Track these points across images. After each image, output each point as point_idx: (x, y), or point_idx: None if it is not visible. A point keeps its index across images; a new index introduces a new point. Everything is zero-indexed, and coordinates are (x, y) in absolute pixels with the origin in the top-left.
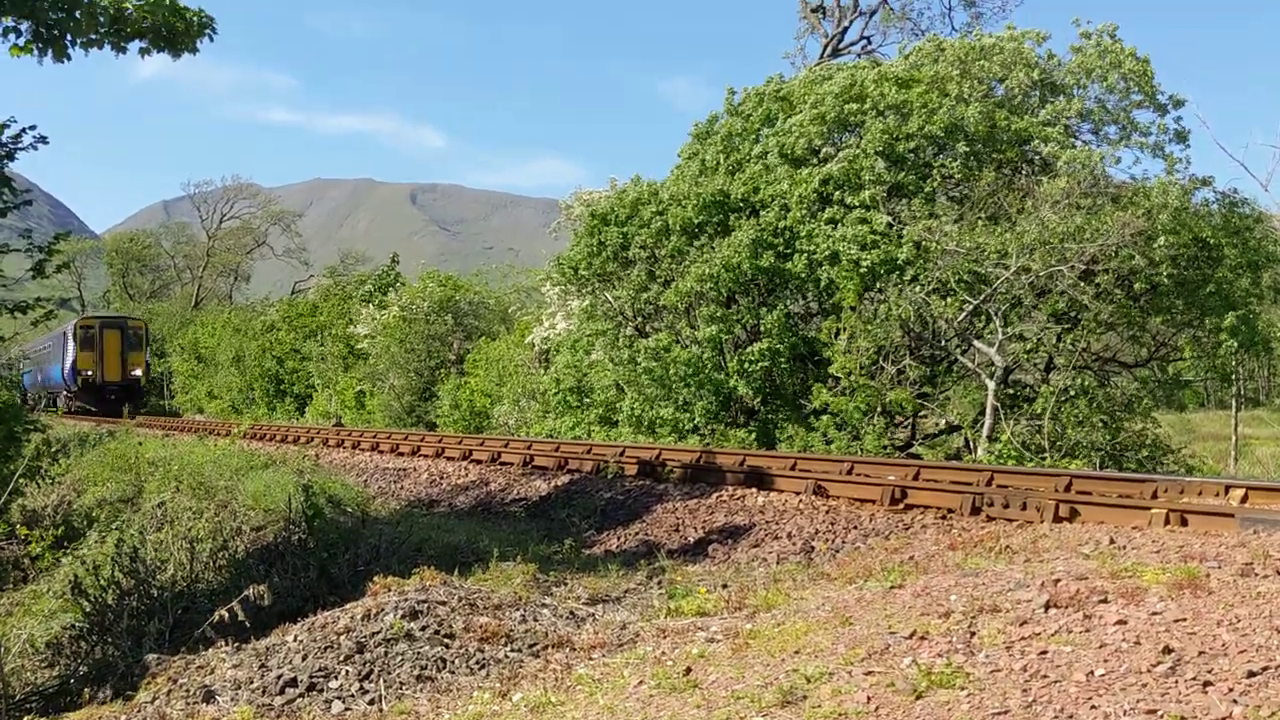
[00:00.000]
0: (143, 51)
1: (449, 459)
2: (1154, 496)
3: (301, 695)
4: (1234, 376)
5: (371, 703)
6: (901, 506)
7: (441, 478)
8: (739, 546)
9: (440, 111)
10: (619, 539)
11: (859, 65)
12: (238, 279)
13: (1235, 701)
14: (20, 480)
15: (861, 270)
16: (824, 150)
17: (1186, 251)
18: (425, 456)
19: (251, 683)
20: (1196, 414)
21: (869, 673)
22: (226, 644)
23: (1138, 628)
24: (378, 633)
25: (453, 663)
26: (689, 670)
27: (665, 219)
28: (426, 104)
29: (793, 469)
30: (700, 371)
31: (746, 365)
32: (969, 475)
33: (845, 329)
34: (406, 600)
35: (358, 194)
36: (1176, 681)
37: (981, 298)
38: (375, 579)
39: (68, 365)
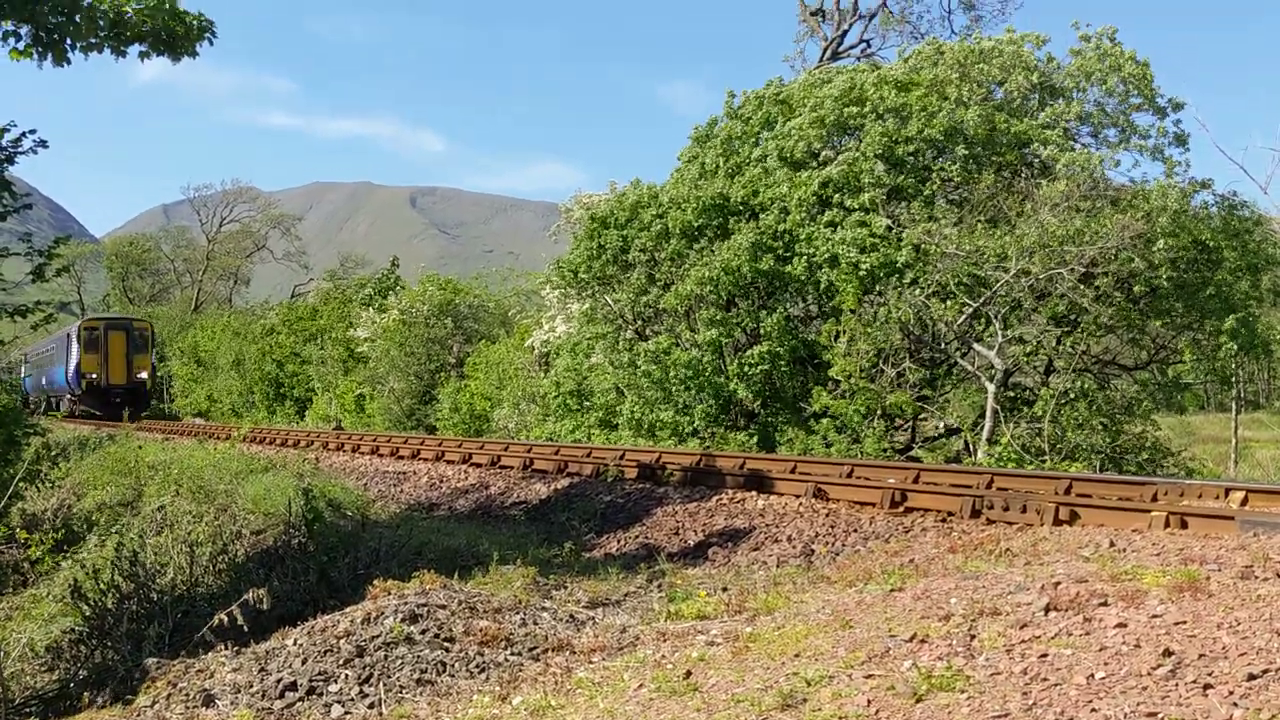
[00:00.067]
0: (142, 55)
1: (449, 462)
2: (1154, 499)
3: (301, 699)
4: (1234, 379)
5: (371, 706)
6: (901, 509)
7: (441, 481)
8: (739, 550)
9: (440, 115)
10: (619, 542)
11: (858, 69)
12: (237, 282)
13: (1236, 704)
14: (20, 484)
15: (861, 273)
16: (823, 153)
17: (1186, 254)
18: (425, 460)
19: (251, 686)
20: (1196, 417)
21: (869, 676)
22: (226, 648)
23: (1138, 630)
24: (377, 636)
25: (452, 666)
26: (689, 673)
27: (665, 222)
28: (426, 108)
29: (793, 472)
30: (700, 375)
31: (746, 368)
32: (969, 478)
33: (845, 332)
34: (406, 604)
35: (357, 197)
36: (1177, 684)
37: (981, 300)
38: (375, 582)
39: (71, 368)
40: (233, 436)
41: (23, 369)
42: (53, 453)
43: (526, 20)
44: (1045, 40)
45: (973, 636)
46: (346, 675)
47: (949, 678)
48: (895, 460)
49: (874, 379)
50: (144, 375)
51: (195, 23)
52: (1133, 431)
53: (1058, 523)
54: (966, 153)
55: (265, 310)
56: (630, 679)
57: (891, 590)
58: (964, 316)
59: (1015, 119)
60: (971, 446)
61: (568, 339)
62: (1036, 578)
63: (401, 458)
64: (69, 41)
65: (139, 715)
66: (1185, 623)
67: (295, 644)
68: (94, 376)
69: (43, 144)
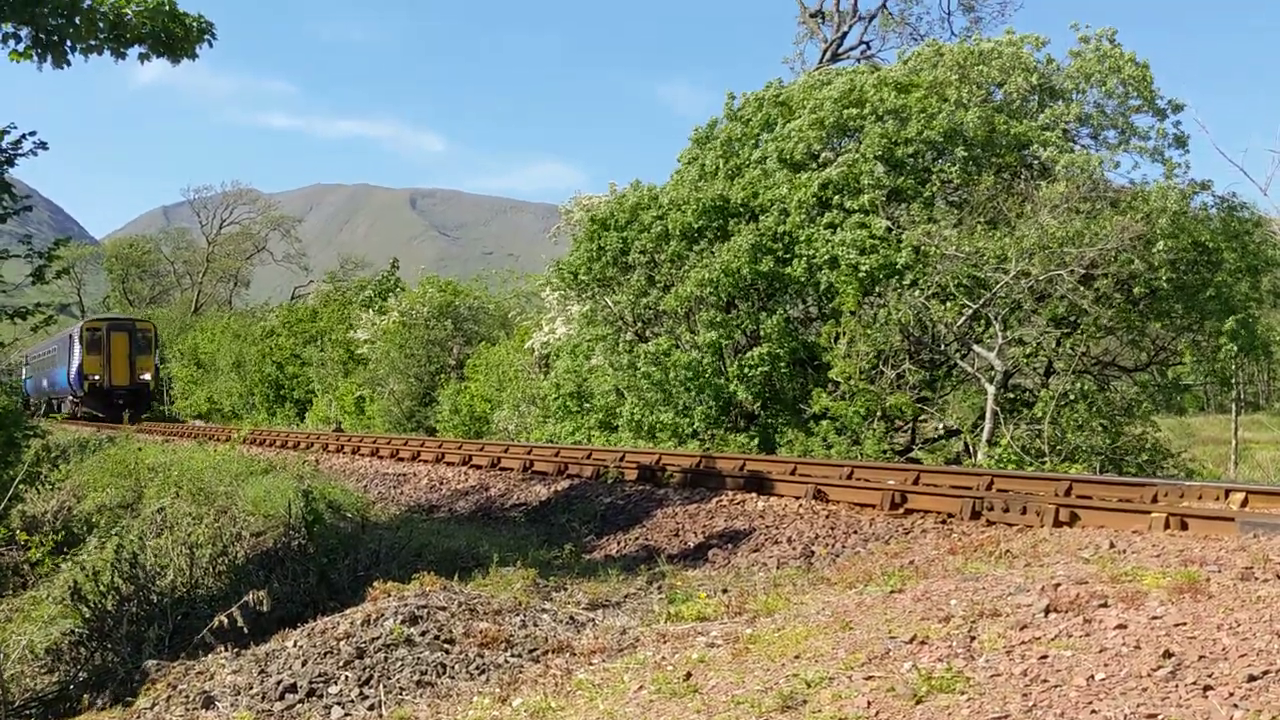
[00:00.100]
0: (142, 57)
1: (449, 464)
2: (1154, 501)
3: (301, 701)
4: (1233, 381)
5: (371, 708)
6: (901, 511)
7: (441, 483)
8: (739, 551)
9: (440, 117)
10: (619, 544)
11: (858, 70)
12: (237, 284)
13: (1236, 705)
14: (20, 486)
15: (861, 275)
16: (823, 155)
17: (1186, 256)
18: (425, 462)
19: (251, 688)
20: (1196, 418)
21: (869, 677)
22: (226, 650)
23: (1138, 632)
24: (377, 638)
25: (452, 668)
26: (689, 675)
27: (665, 224)
28: (426, 109)
29: (792, 474)
30: (700, 376)
31: (746, 370)
32: (969, 480)
33: (845, 334)
34: (406, 605)
35: (357, 199)
36: (1177, 685)
37: (981, 302)
38: (375, 584)
39: (74, 369)
40: (232, 438)
41: (23, 371)
42: (53, 455)
43: (527, 24)
44: (1045, 42)
45: (973, 638)
46: (346, 677)
47: (949, 679)
48: (895, 462)
49: (874, 381)
50: (147, 377)
51: (195, 25)
52: (1133, 433)
53: (1058, 524)
54: (966, 154)
55: (265, 312)
56: (630, 680)
57: (891, 592)
58: (964, 318)
59: (1015, 120)
60: (971, 448)
61: (568, 341)
62: (1036, 579)
63: (401, 460)
64: (69, 43)
65: (139, 717)
66: (1185, 624)
67: (295, 646)
68: (96, 378)
69: (43, 145)
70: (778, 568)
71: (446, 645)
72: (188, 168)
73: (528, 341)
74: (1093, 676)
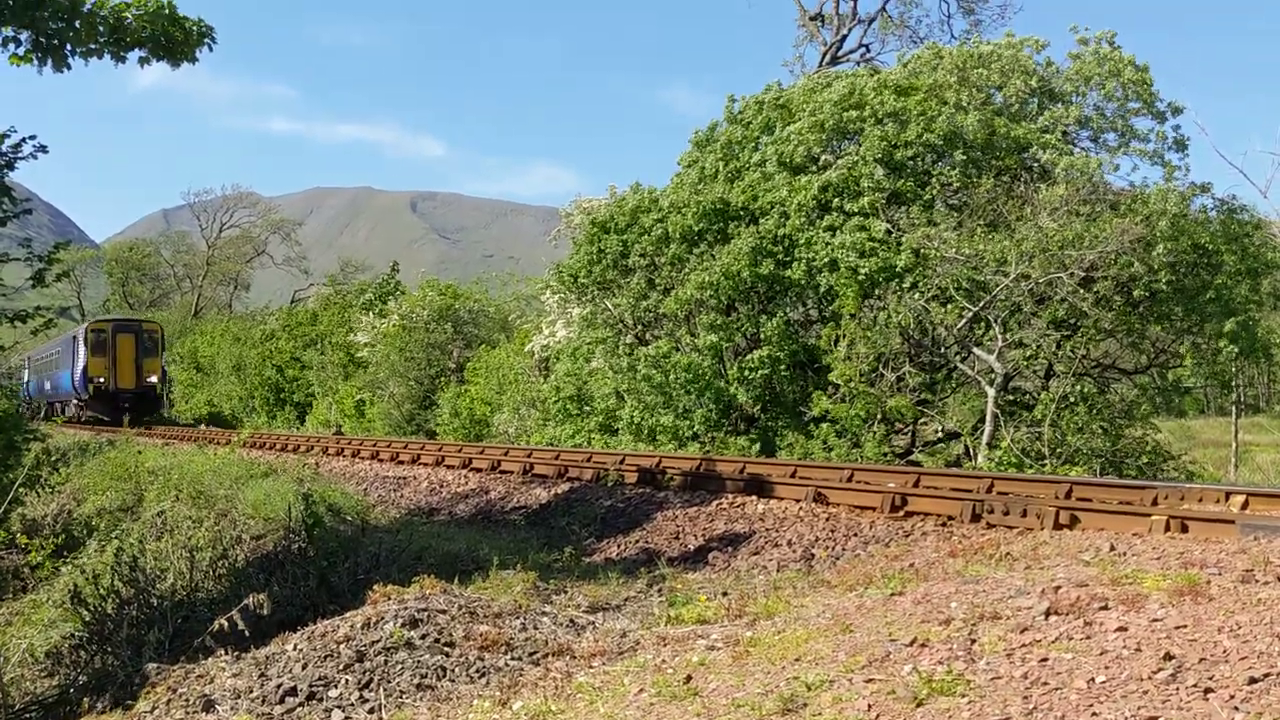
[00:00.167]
0: (142, 61)
1: (449, 467)
2: (1154, 503)
3: (301, 704)
4: (1234, 383)
5: (371, 711)
6: (902, 514)
7: (441, 486)
8: (739, 554)
9: (440, 121)
10: (619, 547)
11: (858, 73)
12: (237, 288)
13: (1237, 708)
14: (20, 489)
15: (860, 277)
16: (823, 158)
17: (1185, 258)
18: (425, 465)
19: (251, 692)
20: (1196, 421)
21: (869, 680)
22: (226, 653)
23: (1138, 634)
24: (377, 641)
25: (453, 671)
26: (689, 678)
27: (665, 227)
28: (426, 113)
29: (793, 476)
30: (700, 379)
31: (746, 373)
32: (969, 482)
33: (845, 336)
34: (406, 609)
35: (357, 202)
36: (1177, 688)
37: (981, 305)
38: (375, 587)
39: (78, 372)
40: (232, 441)
41: (25, 373)
42: (53, 458)
43: (527, 28)
44: (1044, 45)
45: (973, 641)
46: (346, 680)
47: (949, 682)
48: (895, 464)
49: (874, 383)
50: (154, 379)
51: (195, 28)
52: (1133, 435)
53: (1058, 527)
54: (965, 157)
55: (265, 315)
56: (630, 683)
57: (892, 594)
58: (964, 321)
59: (1014, 123)
60: (971, 451)
61: (568, 344)
62: (1037, 582)
63: (401, 463)
64: (69, 47)
65: None
66: (1186, 627)
67: (295, 649)
68: (102, 381)
69: (43, 149)
70: (778, 570)
71: (446, 648)
72: (188, 171)
73: (528, 344)
74: (1093, 679)
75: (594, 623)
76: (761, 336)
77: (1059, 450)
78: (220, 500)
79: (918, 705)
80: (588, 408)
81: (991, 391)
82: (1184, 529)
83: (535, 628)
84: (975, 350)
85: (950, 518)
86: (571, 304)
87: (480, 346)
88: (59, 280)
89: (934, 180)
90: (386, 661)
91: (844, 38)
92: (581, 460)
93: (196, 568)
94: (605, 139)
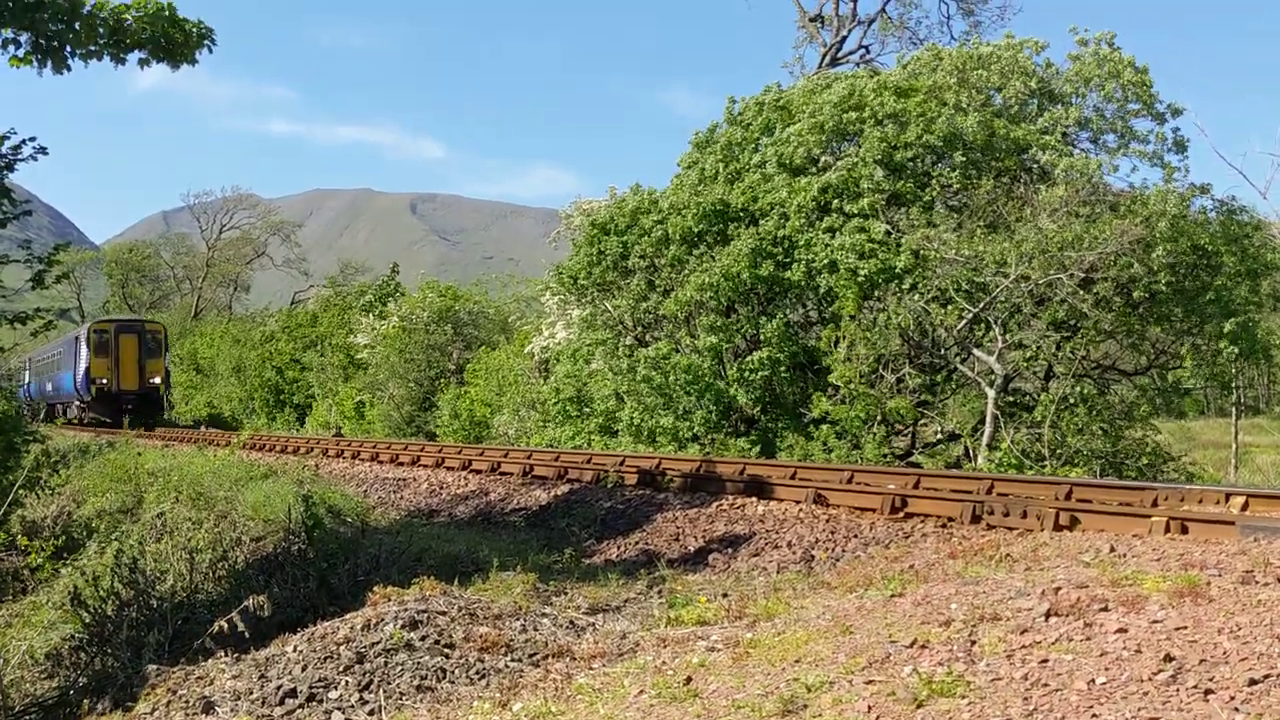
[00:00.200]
0: (142, 63)
1: (448, 469)
2: (1154, 504)
3: (301, 706)
4: (1234, 384)
5: (371, 713)
6: (902, 515)
7: (441, 488)
8: (739, 555)
9: (440, 123)
10: (619, 548)
11: (857, 74)
12: (237, 289)
13: (1237, 709)
14: (20, 491)
15: (860, 279)
16: (823, 159)
17: (1185, 259)
18: (425, 466)
19: (251, 693)
20: (1196, 422)
21: (870, 681)
22: (226, 654)
23: (1138, 636)
24: (377, 643)
25: (453, 673)
26: (689, 679)
27: (665, 228)
28: (426, 115)
29: (793, 478)
30: (700, 380)
31: (746, 374)
32: (969, 483)
33: (845, 337)
34: (406, 610)
35: (357, 204)
36: (1178, 690)
37: (981, 306)
38: (375, 589)
39: (80, 373)
40: (232, 443)
41: (25, 375)
42: (53, 460)
43: (527, 30)
44: (1044, 46)
45: (973, 642)
46: (346, 682)
47: (949, 683)
48: (895, 466)
49: (874, 385)
50: (157, 381)
51: (194, 30)
52: (1133, 436)
53: (1058, 528)
54: (965, 158)
55: (265, 317)
56: (630, 685)
57: (892, 596)
58: (964, 322)
59: (1014, 124)
60: (971, 452)
61: (568, 345)
62: (1037, 583)
63: (401, 464)
64: (69, 49)
65: None
66: (1186, 628)
67: (295, 650)
68: (104, 382)
69: (42, 151)
70: (778, 572)
71: (446, 650)
72: (188, 173)
73: (527, 346)
74: (1093, 680)
75: (594, 624)
76: (761, 338)
77: (1059, 451)
78: (220, 502)
79: (918, 706)
80: (587, 409)
81: (991, 393)
82: (1184, 530)
83: (535, 629)
84: (975, 351)
85: (950, 519)
86: (571, 305)
87: (480, 348)
88: (59, 282)
89: (934, 181)
90: (386, 663)
91: (844, 39)
92: (581, 462)
93: (196, 569)
94: (605, 140)
